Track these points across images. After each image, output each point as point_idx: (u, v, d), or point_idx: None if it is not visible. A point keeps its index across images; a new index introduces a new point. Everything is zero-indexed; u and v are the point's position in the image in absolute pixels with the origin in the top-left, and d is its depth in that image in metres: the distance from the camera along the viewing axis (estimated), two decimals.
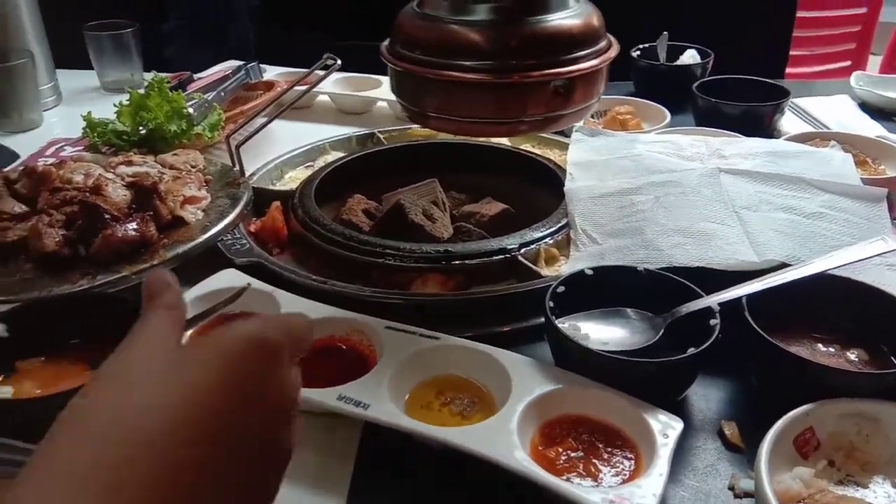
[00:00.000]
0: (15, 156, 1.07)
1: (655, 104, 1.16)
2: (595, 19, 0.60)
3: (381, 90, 1.27)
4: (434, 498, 0.54)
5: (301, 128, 1.20)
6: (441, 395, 0.60)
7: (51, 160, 1.03)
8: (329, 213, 0.89)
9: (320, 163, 1.05)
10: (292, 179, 1.02)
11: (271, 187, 0.97)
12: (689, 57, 1.30)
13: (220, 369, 0.31)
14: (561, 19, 0.58)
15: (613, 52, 0.61)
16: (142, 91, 0.99)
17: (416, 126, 1.15)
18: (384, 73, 1.27)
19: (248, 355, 0.32)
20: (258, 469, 0.32)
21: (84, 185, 0.81)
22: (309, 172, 1.01)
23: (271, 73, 1.29)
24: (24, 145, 1.10)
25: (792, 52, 1.97)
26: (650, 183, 0.82)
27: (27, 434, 0.50)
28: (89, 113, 0.98)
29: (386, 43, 0.65)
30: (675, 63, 1.30)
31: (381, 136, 1.10)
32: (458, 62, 0.58)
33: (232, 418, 0.30)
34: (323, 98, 1.29)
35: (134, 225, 0.73)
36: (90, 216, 0.73)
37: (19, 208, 0.78)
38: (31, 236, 0.73)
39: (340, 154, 1.07)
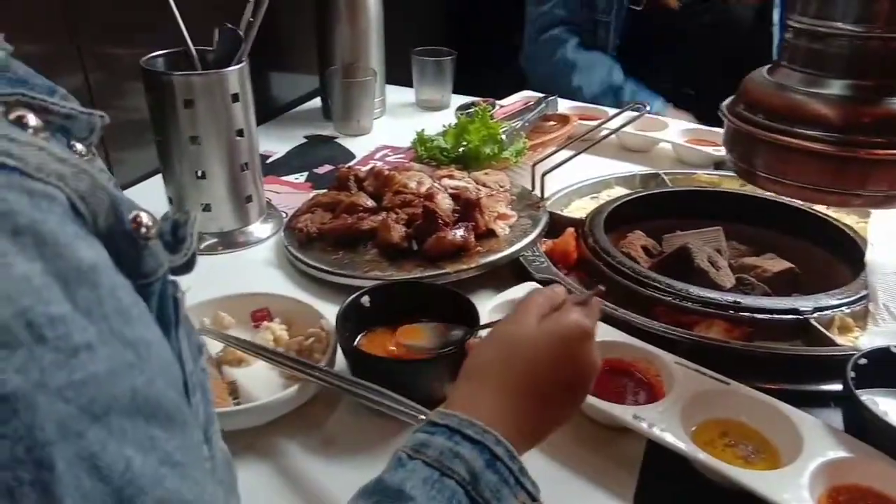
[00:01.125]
0: (351, 155, 1.30)
1: None
2: None
3: (666, 132, 1.32)
4: None
5: (584, 159, 1.28)
6: (725, 436, 0.64)
7: (379, 163, 1.24)
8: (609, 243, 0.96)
9: (604, 196, 1.13)
10: (578, 208, 1.11)
11: (561, 213, 1.07)
12: None
13: (558, 340, 0.51)
14: None
15: None
16: (453, 111, 1.15)
17: (701, 171, 1.18)
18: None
19: (574, 335, 0.51)
20: (570, 395, 0.52)
21: (418, 191, 0.98)
22: (593, 203, 1.10)
23: (563, 106, 1.40)
24: (357, 147, 1.33)
25: None
26: None
27: (378, 381, 0.65)
28: (422, 130, 1.17)
29: (727, 102, 0.71)
30: None
31: (666, 178, 1.15)
32: (801, 130, 0.62)
33: (561, 364, 0.51)
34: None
35: (461, 231, 0.87)
36: (428, 219, 0.88)
37: (370, 203, 0.97)
38: (381, 228, 0.90)
39: (623, 189, 1.14)
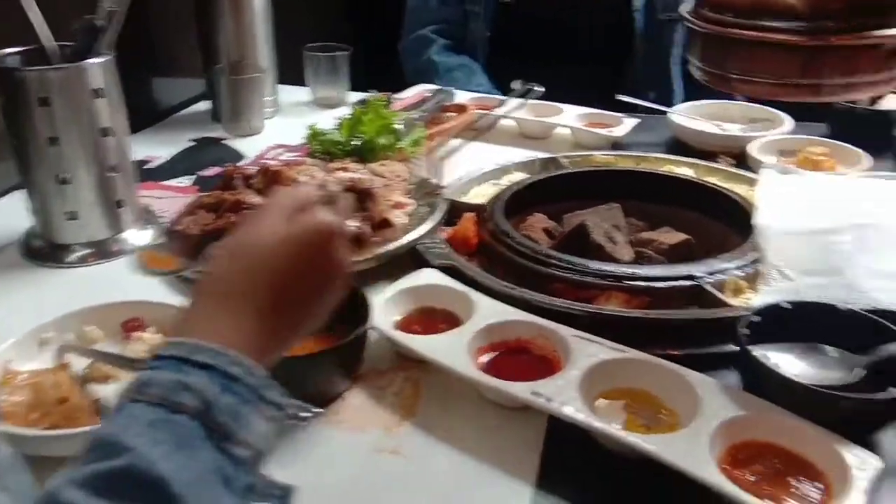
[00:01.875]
0: (240, 156, 1.24)
1: (852, 147, 1.12)
2: None
3: (563, 117, 1.32)
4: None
5: (484, 148, 1.28)
6: (626, 404, 0.63)
7: (271, 163, 1.18)
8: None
9: (504, 181, 1.11)
10: (478, 194, 1.09)
11: (460, 200, 1.05)
12: (893, 101, 1.23)
13: (305, 242, 0.47)
14: None
15: None
16: (353, 107, 1.11)
17: (597, 153, 1.19)
18: (569, 102, 1.36)
19: (322, 236, 0.48)
20: (318, 297, 0.49)
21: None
22: (494, 190, 1.08)
23: (461, 97, 1.38)
24: (248, 148, 1.27)
25: None
26: (852, 225, 0.79)
27: None
28: (314, 125, 1.12)
29: (689, 9, 0.70)
30: (875, 107, 1.24)
31: (564, 161, 1.15)
32: (770, 23, 0.61)
33: (308, 268, 0.47)
34: (505, 122, 1.37)
35: (354, 222, 0.82)
36: None
37: (257, 200, 0.91)
38: None
39: (523, 174, 1.12)
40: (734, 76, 0.66)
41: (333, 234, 0.48)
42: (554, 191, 1.07)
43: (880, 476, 0.52)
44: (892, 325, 0.62)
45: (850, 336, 0.63)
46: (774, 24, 0.60)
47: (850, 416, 0.56)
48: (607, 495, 0.58)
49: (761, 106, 1.30)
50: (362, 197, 0.87)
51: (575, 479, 0.59)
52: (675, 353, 0.70)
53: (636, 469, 0.57)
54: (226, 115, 1.30)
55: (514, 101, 1.37)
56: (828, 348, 0.63)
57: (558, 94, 1.38)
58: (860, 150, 1.10)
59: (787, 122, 1.25)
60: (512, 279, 0.84)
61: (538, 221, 1.00)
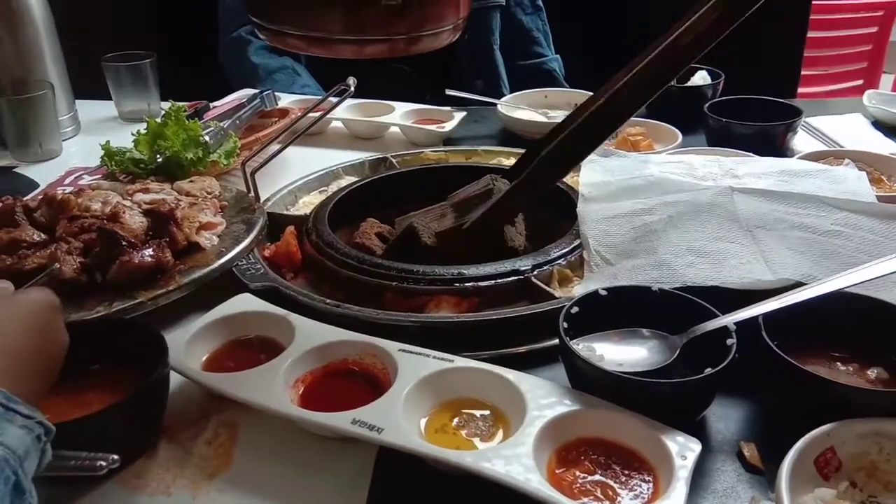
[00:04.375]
0: (34, 185, 1.09)
1: (667, 125, 1.17)
2: None
3: (393, 115, 1.29)
4: None
5: (314, 153, 1.21)
6: (457, 417, 0.60)
7: (69, 189, 1.05)
8: (342, 238, 0.89)
9: (334, 187, 1.06)
10: (306, 204, 1.03)
11: (285, 212, 0.98)
12: (700, 78, 1.30)
13: (35, 315, 0.53)
14: None
15: None
16: (159, 120, 1.01)
17: (428, 150, 1.16)
18: (400, 97, 1.32)
19: (49, 310, 0.55)
20: (44, 360, 0.53)
21: (102, 212, 0.83)
22: (322, 197, 1.02)
23: (286, 100, 1.31)
24: (43, 174, 1.12)
25: (804, 72, 1.97)
26: (663, 203, 0.81)
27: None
28: (108, 142, 1.00)
29: None
30: (685, 84, 1.30)
31: (394, 161, 1.11)
32: None
33: (39, 336, 0.53)
34: (336, 124, 1.31)
35: (150, 251, 0.74)
36: (107, 243, 0.74)
37: (38, 236, 0.79)
38: (49, 264, 0.74)
39: (354, 178, 1.08)
40: (288, 31, 0.66)
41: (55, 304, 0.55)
42: (385, 193, 1.03)
43: (704, 457, 0.53)
44: (701, 303, 0.63)
45: (667, 316, 0.64)
46: None
47: (665, 401, 0.56)
48: None
49: (582, 91, 1.33)
50: (161, 220, 0.78)
51: None
52: (517, 351, 0.68)
53: (471, 487, 0.54)
54: (12, 140, 1.15)
55: (344, 103, 1.31)
56: (646, 332, 0.63)
57: (389, 90, 1.35)
58: (674, 128, 1.15)
59: None
60: (340, 294, 0.79)
61: (371, 227, 0.96)
